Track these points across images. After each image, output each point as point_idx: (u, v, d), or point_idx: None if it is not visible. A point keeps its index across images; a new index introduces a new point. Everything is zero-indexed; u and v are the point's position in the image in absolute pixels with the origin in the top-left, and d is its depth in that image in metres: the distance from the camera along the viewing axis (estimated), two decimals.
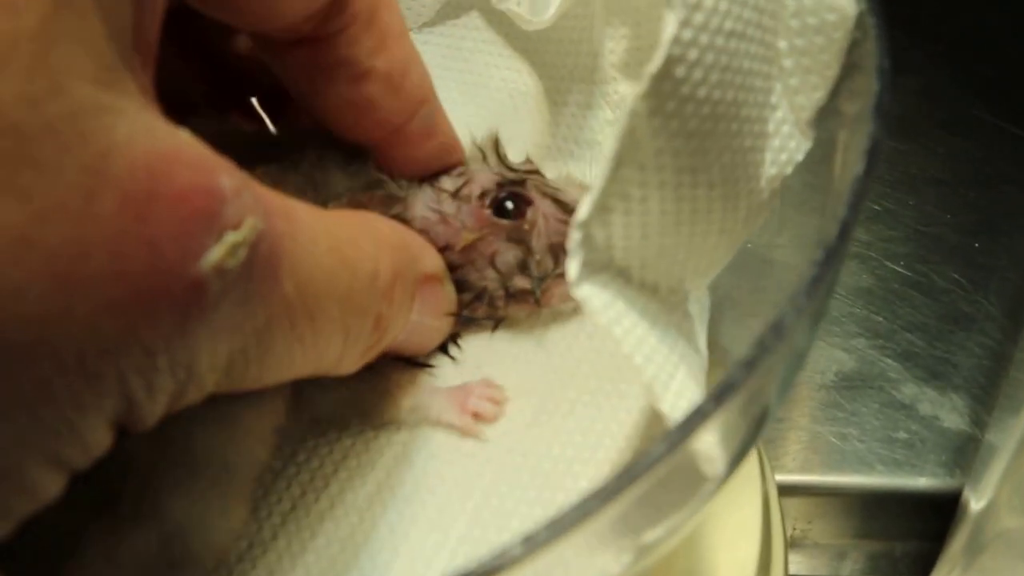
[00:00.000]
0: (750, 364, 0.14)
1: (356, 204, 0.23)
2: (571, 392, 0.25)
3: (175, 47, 0.24)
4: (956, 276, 0.41)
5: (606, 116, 0.29)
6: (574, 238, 0.17)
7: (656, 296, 0.20)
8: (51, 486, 0.14)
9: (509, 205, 0.24)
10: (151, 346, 0.14)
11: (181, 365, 0.15)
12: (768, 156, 0.20)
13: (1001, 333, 0.39)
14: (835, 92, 0.19)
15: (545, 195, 0.24)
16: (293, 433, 0.23)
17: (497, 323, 0.26)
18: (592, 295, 0.17)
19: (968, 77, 0.48)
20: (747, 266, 0.23)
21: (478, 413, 0.24)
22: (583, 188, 0.25)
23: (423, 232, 0.24)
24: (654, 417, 0.23)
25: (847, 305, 0.40)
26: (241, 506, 0.20)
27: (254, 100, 0.27)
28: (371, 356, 0.21)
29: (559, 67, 0.30)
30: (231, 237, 0.14)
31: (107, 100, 0.13)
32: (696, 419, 0.14)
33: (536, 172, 0.25)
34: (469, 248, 0.24)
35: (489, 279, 0.24)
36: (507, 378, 0.25)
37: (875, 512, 0.39)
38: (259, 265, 0.15)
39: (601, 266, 0.18)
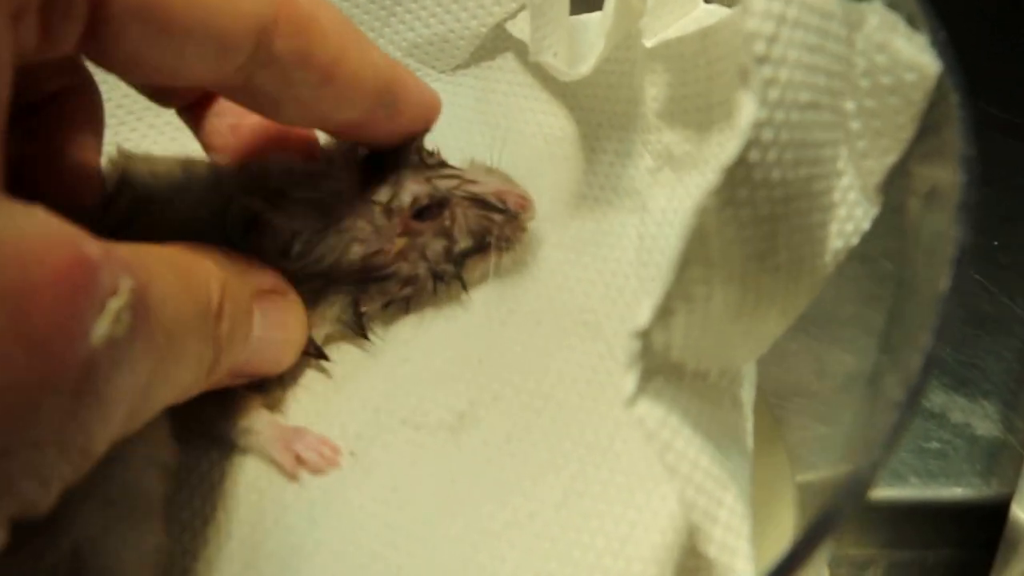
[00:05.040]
0: (825, 525, 0.13)
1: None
2: (604, 472, 0.23)
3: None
4: (978, 277, 0.39)
5: (647, 164, 0.28)
6: (633, 348, 0.15)
7: (706, 383, 0.19)
8: None
9: (428, 211, 0.25)
10: (40, 441, 0.13)
11: (75, 449, 0.14)
12: (834, 228, 0.18)
13: None
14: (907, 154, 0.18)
15: (464, 198, 0.26)
16: None
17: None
18: (647, 414, 0.15)
19: (974, 73, 0.47)
20: (808, 359, 0.22)
21: (301, 458, 0.24)
22: (490, 172, 0.26)
23: (356, 241, 0.24)
24: None
25: (868, 310, 0.39)
26: (149, 531, 0.20)
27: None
28: (215, 376, 0.20)
29: (597, 112, 0.29)
30: (114, 303, 0.13)
31: None
32: None
33: (455, 176, 0.26)
34: (403, 250, 0.25)
35: (420, 268, 0.26)
36: (537, 453, 0.24)
37: (906, 522, 0.37)
38: (138, 324, 0.14)
39: (656, 369, 0.16)
